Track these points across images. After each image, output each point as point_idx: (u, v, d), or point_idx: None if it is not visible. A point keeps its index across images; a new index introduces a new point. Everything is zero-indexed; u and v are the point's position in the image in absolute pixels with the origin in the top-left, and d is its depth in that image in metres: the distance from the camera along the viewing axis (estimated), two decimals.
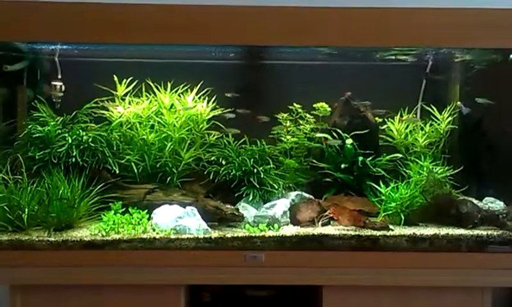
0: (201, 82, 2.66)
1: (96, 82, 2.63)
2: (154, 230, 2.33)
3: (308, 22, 2.27)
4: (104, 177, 2.47)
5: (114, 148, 2.53)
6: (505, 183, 2.71)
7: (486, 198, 2.64)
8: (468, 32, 2.28)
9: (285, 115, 2.78)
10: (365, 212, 2.49)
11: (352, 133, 2.70)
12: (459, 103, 2.78)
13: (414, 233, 2.31)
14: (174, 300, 2.27)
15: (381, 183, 2.55)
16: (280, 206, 2.47)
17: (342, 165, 2.67)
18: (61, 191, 2.32)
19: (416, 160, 2.64)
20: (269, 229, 2.36)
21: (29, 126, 2.50)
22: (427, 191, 2.49)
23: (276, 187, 2.55)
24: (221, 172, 2.54)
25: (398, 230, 2.35)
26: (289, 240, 2.29)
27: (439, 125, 2.77)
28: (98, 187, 2.39)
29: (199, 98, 2.67)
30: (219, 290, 2.53)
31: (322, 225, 2.43)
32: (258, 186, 2.52)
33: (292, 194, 2.59)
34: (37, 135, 2.47)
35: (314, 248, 2.27)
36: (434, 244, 2.28)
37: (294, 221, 2.46)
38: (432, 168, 2.57)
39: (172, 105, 2.65)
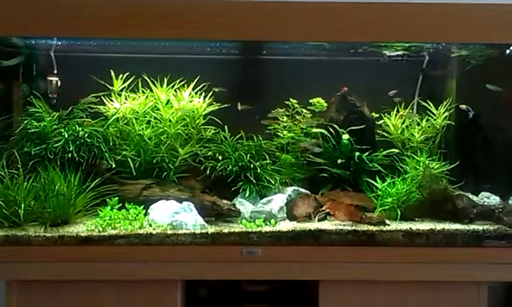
0: (198, 77, 2.66)
1: (92, 78, 2.63)
2: (151, 226, 2.33)
3: (306, 17, 2.27)
4: (101, 172, 2.46)
5: (111, 144, 2.53)
6: (501, 178, 2.72)
7: (482, 193, 2.65)
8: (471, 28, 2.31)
9: (282, 110, 2.78)
10: (362, 207, 2.49)
11: (348, 129, 2.70)
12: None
13: (410, 228, 2.31)
14: (171, 295, 2.27)
15: (377, 178, 2.56)
16: (276, 201, 2.47)
17: (339, 161, 2.67)
18: (57, 187, 2.31)
19: (413, 155, 2.65)
20: (266, 224, 2.36)
21: (25, 122, 2.49)
22: (424, 186, 2.50)
23: (273, 182, 2.55)
24: (217, 167, 2.54)
25: (394, 225, 2.36)
26: (286, 236, 2.29)
27: (435, 120, 2.78)
28: (95, 182, 2.39)
29: (195, 93, 2.67)
30: (215, 285, 2.54)
31: (319, 220, 2.43)
32: (254, 181, 2.52)
33: (289, 190, 2.59)
34: (33, 130, 2.46)
35: (311, 243, 2.28)
36: (430, 238, 2.29)
37: (291, 216, 2.46)
38: (429, 163, 2.58)
39: (168, 100, 2.65)
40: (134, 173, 2.52)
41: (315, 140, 2.71)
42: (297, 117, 2.77)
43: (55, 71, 2.79)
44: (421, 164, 2.58)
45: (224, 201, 2.44)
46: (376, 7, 2.29)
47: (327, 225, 2.37)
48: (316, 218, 2.43)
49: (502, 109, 2.74)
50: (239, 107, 2.72)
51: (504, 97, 2.65)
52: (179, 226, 2.30)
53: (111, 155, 2.49)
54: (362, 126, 2.72)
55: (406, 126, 2.78)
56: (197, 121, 2.68)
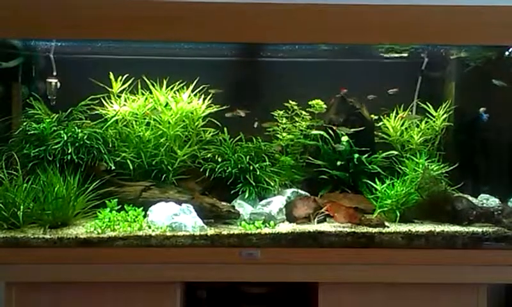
0: (197, 79, 2.66)
1: (91, 79, 2.63)
2: (150, 227, 2.33)
3: (306, 19, 2.28)
4: (100, 174, 2.46)
5: (110, 145, 2.53)
6: (501, 179, 2.72)
7: (482, 195, 2.65)
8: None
9: (281, 112, 2.78)
10: (361, 209, 2.49)
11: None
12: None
13: (409, 230, 2.31)
14: (170, 297, 2.26)
15: (376, 180, 2.56)
16: (275, 203, 2.47)
17: (338, 163, 2.67)
18: (56, 188, 2.31)
19: (412, 157, 2.65)
20: (265, 226, 2.36)
21: (24, 124, 2.49)
22: (423, 188, 2.50)
23: (272, 184, 2.55)
24: (217, 169, 2.54)
25: (394, 227, 2.36)
26: (285, 237, 2.29)
27: (434, 122, 2.78)
28: (94, 184, 2.39)
29: (194, 95, 2.67)
30: (215, 287, 2.53)
31: (318, 222, 2.43)
32: (254, 183, 2.52)
33: (288, 191, 2.59)
34: (32, 132, 2.46)
35: (310, 245, 2.28)
36: (430, 240, 2.29)
37: (290, 218, 2.46)
38: (428, 165, 2.58)
39: (167, 103, 2.65)
40: (133, 175, 2.52)
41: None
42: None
43: (54, 73, 2.79)
44: (420, 165, 2.58)
45: (224, 203, 2.44)
46: (377, 10, 2.30)
47: (326, 227, 2.37)
48: (315, 220, 2.43)
49: (501, 110, 2.74)
50: (239, 113, 2.72)
51: (503, 99, 2.66)
52: (178, 227, 2.30)
53: (110, 156, 2.49)
54: (361, 128, 2.72)
55: (406, 128, 2.78)
56: (196, 123, 2.68)
